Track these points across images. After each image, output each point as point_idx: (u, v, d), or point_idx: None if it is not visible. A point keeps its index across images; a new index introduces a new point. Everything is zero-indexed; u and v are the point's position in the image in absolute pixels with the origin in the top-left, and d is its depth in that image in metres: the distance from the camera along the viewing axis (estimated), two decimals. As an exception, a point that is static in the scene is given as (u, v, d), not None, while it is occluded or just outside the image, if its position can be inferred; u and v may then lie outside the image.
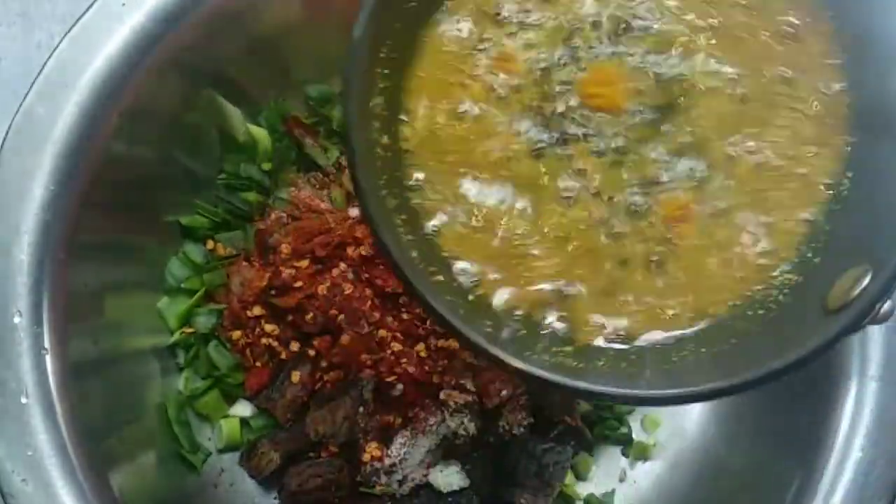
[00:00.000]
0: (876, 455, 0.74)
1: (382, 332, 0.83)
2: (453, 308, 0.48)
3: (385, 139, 0.52)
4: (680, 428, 0.93)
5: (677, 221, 0.52)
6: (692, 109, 0.53)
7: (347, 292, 0.83)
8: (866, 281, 0.45)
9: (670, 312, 0.52)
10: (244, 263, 0.87)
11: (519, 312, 0.52)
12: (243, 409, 0.88)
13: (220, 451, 0.88)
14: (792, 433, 0.80)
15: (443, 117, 0.54)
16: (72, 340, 0.72)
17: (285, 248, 0.85)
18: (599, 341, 0.51)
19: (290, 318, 0.84)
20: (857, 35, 0.52)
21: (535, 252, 0.52)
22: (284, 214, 0.88)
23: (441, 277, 0.51)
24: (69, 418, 0.70)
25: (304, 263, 0.84)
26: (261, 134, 0.89)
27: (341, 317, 0.82)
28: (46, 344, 0.70)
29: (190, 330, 0.87)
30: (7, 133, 0.70)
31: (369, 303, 0.83)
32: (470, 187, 0.53)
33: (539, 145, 0.53)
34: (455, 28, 0.54)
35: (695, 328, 0.51)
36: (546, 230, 0.53)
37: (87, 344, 0.76)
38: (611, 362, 0.50)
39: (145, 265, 0.85)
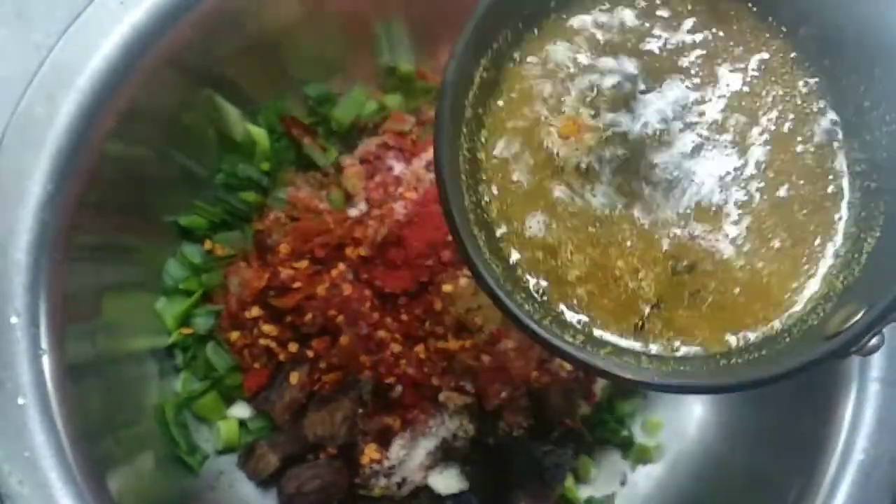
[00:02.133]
0: (878, 455, 0.74)
1: (381, 333, 0.83)
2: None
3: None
4: (681, 430, 0.93)
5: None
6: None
7: (346, 293, 0.82)
8: (859, 316, 0.51)
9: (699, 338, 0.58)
10: (242, 264, 0.87)
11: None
12: (241, 410, 0.88)
13: (219, 453, 0.88)
14: (793, 435, 0.80)
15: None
16: (69, 341, 0.72)
17: (284, 249, 0.84)
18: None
19: (288, 318, 0.84)
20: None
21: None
22: (283, 214, 0.87)
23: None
24: (66, 419, 0.69)
25: (303, 264, 0.84)
26: (259, 134, 0.89)
27: (340, 318, 0.82)
28: (44, 344, 0.70)
29: (188, 331, 0.87)
30: (4, 132, 0.70)
31: (368, 303, 0.83)
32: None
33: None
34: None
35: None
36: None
37: (85, 345, 0.75)
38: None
39: (143, 266, 0.85)
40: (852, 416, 0.75)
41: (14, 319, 0.69)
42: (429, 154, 0.88)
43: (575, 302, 0.57)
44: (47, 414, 0.69)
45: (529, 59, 0.59)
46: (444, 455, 0.84)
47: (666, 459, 0.93)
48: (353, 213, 0.86)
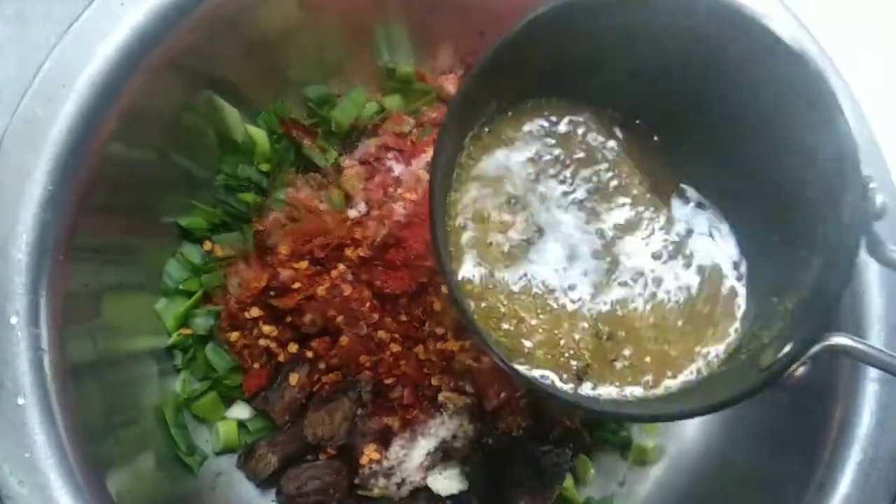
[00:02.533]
0: (877, 456, 0.74)
1: (381, 334, 0.83)
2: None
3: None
4: (679, 431, 0.93)
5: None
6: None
7: (346, 293, 0.82)
8: (787, 349, 0.58)
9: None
10: (242, 265, 0.87)
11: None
12: (241, 411, 0.88)
13: (218, 454, 0.88)
14: (792, 436, 0.80)
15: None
16: (69, 341, 0.72)
17: (284, 249, 0.84)
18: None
19: (288, 319, 0.84)
20: None
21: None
22: (283, 215, 0.87)
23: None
24: (66, 420, 0.69)
25: (303, 265, 0.84)
26: (259, 135, 0.89)
27: (340, 318, 0.82)
28: (44, 345, 0.70)
29: (188, 331, 0.87)
30: (5, 133, 0.70)
31: (368, 304, 0.83)
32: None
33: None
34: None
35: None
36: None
37: (85, 345, 0.75)
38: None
39: (143, 266, 0.85)
40: (850, 416, 0.75)
41: (14, 319, 0.69)
42: (428, 155, 0.88)
43: (533, 361, 0.65)
44: (47, 414, 0.69)
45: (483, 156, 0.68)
46: (444, 455, 0.84)
47: (664, 460, 0.93)
48: (353, 213, 0.86)
